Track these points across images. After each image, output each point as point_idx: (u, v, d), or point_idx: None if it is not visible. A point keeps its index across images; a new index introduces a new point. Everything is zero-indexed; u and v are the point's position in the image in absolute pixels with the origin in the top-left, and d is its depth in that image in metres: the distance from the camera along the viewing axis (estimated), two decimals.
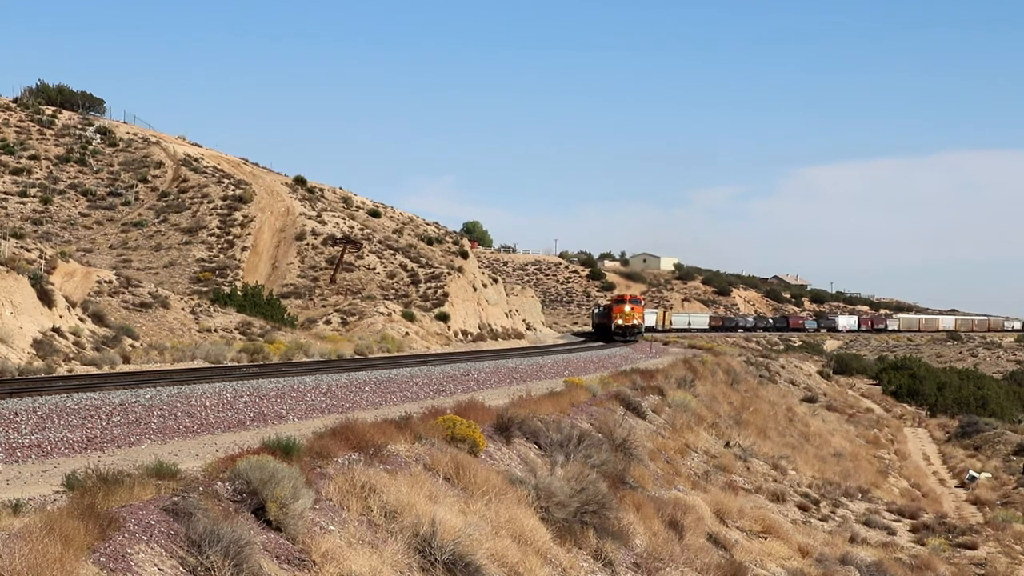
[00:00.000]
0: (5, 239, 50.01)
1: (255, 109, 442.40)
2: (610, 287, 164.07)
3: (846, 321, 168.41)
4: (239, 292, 61.76)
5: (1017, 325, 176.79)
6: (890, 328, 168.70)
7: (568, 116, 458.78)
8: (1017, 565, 31.69)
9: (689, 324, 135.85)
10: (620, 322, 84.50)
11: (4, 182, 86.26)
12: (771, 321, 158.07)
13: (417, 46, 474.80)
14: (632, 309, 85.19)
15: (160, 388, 22.69)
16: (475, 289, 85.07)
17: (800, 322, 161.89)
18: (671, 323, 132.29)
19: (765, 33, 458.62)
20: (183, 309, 55.00)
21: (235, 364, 36.53)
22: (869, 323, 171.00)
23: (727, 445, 35.03)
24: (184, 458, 13.24)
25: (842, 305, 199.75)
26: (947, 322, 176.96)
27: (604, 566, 15.55)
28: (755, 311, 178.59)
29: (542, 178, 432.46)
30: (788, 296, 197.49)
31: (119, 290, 54.33)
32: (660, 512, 19.24)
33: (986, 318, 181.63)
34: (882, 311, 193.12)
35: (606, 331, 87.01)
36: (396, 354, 49.97)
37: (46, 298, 37.82)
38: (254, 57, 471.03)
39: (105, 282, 54.66)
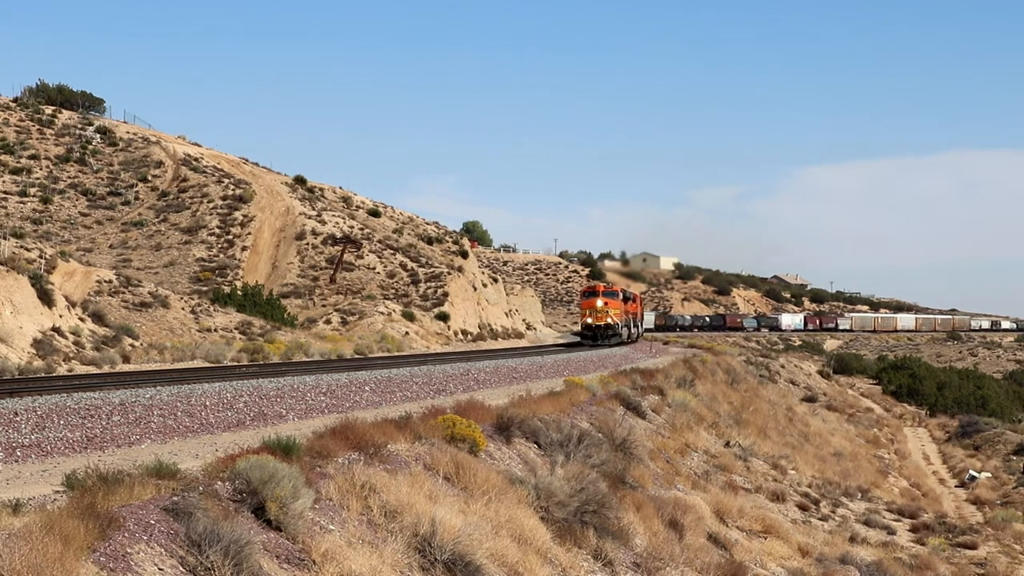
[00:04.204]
0: (5, 239, 50.00)
1: (255, 109, 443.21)
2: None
3: (790, 320, 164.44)
4: (239, 292, 61.75)
5: (985, 324, 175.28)
6: (841, 327, 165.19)
7: (569, 116, 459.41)
8: (1017, 565, 31.69)
9: None
10: (590, 321, 65.71)
11: (4, 182, 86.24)
12: (707, 320, 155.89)
13: (418, 46, 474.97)
14: (606, 304, 65.52)
15: (160, 388, 22.66)
16: (475, 289, 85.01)
17: (738, 321, 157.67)
18: None
19: (766, 33, 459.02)
20: (183, 309, 54.98)
21: (235, 364, 36.51)
22: (817, 322, 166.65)
23: (727, 445, 35.03)
24: (184, 458, 13.23)
25: (842, 305, 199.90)
26: (906, 321, 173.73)
27: (604, 566, 15.55)
28: (755, 310, 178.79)
29: (542, 178, 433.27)
30: (788, 296, 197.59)
31: (119, 290, 54.31)
32: (660, 512, 19.24)
33: (950, 317, 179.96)
34: (882, 311, 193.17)
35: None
36: (396, 354, 49.95)
37: (46, 298, 37.83)
38: (254, 57, 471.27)
39: (105, 282, 54.64)
